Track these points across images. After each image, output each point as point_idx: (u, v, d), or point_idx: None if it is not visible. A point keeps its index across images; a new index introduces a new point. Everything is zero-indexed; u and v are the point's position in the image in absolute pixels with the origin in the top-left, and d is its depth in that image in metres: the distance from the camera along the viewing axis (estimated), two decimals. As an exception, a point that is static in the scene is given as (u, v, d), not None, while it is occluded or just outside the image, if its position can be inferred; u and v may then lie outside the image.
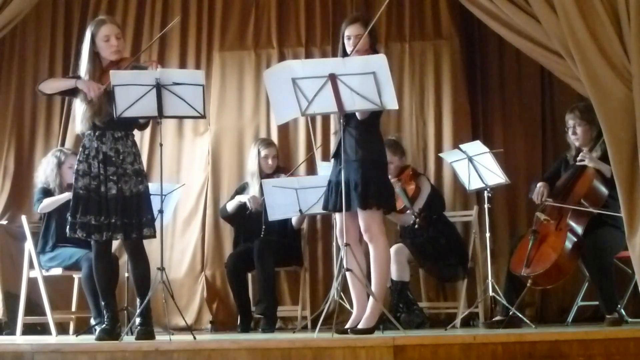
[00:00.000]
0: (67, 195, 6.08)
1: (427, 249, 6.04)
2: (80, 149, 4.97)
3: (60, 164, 6.28)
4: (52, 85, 5.07)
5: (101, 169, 4.86)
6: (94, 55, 4.95)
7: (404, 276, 5.94)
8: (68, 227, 4.91)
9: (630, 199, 5.11)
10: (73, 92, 4.96)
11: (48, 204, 6.17)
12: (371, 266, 4.85)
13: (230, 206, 6.49)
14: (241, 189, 6.58)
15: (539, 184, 5.68)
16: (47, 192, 6.24)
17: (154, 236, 4.94)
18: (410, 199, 5.99)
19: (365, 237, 4.84)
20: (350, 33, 4.92)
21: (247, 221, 6.47)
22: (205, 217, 6.93)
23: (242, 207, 6.41)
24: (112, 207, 4.83)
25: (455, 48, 6.86)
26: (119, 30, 5.02)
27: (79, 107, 4.93)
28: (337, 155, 4.91)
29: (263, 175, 6.43)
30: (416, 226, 5.86)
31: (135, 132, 5.11)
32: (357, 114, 4.81)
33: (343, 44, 4.99)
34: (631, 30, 5.14)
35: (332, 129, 6.63)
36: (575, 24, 5.22)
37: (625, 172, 5.13)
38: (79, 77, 4.94)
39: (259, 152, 6.47)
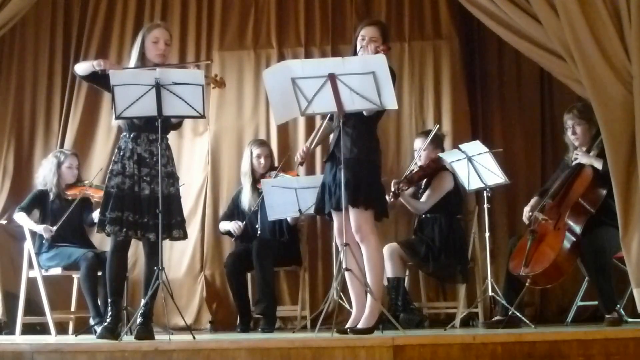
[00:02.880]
0: (34, 228, 6.14)
1: (420, 248, 6.03)
2: (116, 150, 5.05)
3: (59, 164, 6.30)
4: (82, 67, 5.10)
5: (135, 170, 4.94)
6: (142, 56, 5.06)
7: (399, 272, 5.95)
8: (97, 224, 4.97)
9: (627, 200, 5.12)
10: (105, 84, 4.93)
11: (21, 219, 6.22)
12: (365, 266, 4.85)
13: (222, 229, 6.59)
14: (237, 196, 6.60)
15: (530, 203, 5.70)
16: (40, 197, 6.28)
17: (182, 238, 5.04)
18: (409, 177, 6.02)
19: (357, 237, 4.84)
20: (365, 34, 4.94)
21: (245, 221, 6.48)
22: (204, 217, 6.93)
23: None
24: (145, 208, 4.91)
25: (454, 48, 6.87)
26: (170, 38, 5.13)
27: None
28: (331, 157, 4.91)
29: (257, 175, 6.45)
30: (397, 192, 5.90)
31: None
32: (364, 111, 4.81)
33: (355, 45, 5.00)
34: (632, 30, 5.14)
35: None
36: (577, 24, 5.22)
37: (623, 174, 5.14)
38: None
39: (251, 152, 6.49)
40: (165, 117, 4.86)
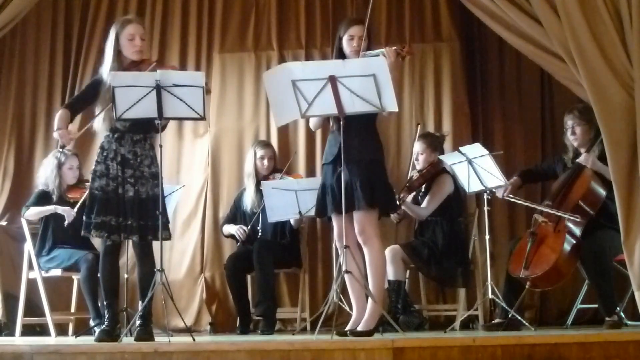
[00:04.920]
0: (52, 208, 6.09)
1: (422, 251, 6.03)
2: (99, 150, 5.00)
3: (60, 165, 6.26)
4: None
5: (119, 171, 4.90)
6: (118, 54, 4.98)
7: (400, 276, 5.94)
8: (83, 227, 4.93)
9: (628, 203, 5.12)
10: (91, 101, 4.99)
11: (33, 213, 6.17)
12: (367, 269, 4.84)
13: (225, 232, 6.58)
14: (239, 197, 6.60)
15: (511, 180, 5.70)
16: (43, 196, 6.22)
17: (168, 238, 5.01)
18: (409, 185, 6.04)
19: (360, 239, 4.82)
20: (354, 33, 4.92)
21: (245, 224, 6.47)
22: (204, 218, 6.92)
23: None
24: (129, 209, 4.87)
25: (455, 50, 6.86)
26: (144, 31, 5.05)
27: (101, 107, 4.95)
28: (334, 159, 4.89)
29: (260, 176, 6.44)
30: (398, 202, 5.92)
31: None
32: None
33: (339, 44, 4.98)
34: (633, 33, 5.14)
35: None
36: (578, 27, 5.22)
37: (624, 176, 5.14)
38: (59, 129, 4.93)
39: (255, 153, 6.49)
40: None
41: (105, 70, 4.98)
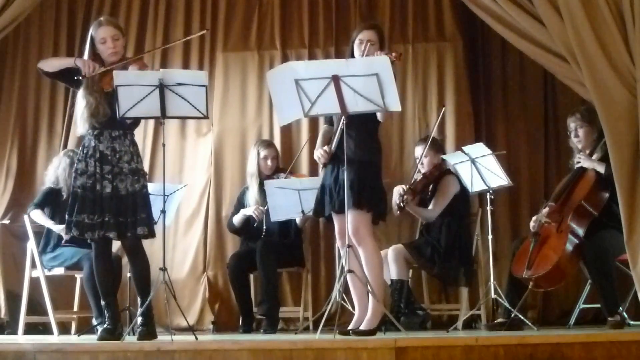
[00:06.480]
0: (50, 224, 6.07)
1: (425, 249, 6.03)
2: (80, 148, 4.99)
3: (73, 165, 6.24)
4: (52, 63, 5.05)
5: (97, 168, 4.86)
6: (95, 56, 4.96)
7: (403, 275, 5.95)
8: (66, 226, 4.93)
9: (631, 202, 5.12)
10: (74, 82, 4.93)
11: (37, 218, 6.13)
12: (364, 269, 4.84)
13: (237, 220, 6.48)
14: (242, 195, 6.58)
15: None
16: (52, 194, 6.20)
17: (149, 236, 4.91)
18: (413, 187, 6.04)
19: (354, 240, 4.82)
20: (364, 37, 4.93)
21: (249, 223, 6.46)
22: (207, 217, 6.93)
23: (248, 218, 6.41)
24: (107, 206, 4.83)
25: (458, 50, 6.87)
26: (116, 32, 4.97)
27: (79, 108, 4.94)
28: (332, 159, 4.90)
29: (263, 176, 6.44)
30: (402, 204, 5.91)
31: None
32: (377, 115, 4.82)
33: (352, 49, 5.01)
34: (636, 33, 5.14)
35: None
36: (580, 27, 5.22)
37: (626, 176, 5.14)
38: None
39: (258, 153, 6.48)
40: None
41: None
